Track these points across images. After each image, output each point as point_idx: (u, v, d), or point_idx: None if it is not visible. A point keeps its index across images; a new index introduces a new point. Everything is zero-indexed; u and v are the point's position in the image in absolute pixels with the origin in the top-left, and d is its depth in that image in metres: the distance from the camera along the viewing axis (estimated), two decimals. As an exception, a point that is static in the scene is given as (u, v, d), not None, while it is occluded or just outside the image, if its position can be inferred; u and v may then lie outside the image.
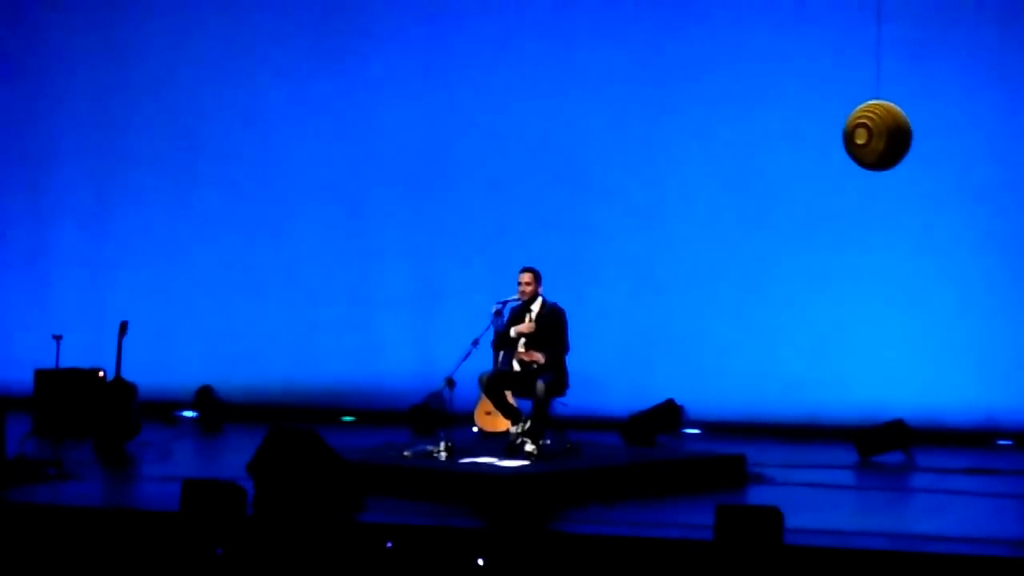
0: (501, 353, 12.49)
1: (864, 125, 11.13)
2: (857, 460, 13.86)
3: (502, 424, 13.17)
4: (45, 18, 17.41)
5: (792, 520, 9.33)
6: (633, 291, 15.85)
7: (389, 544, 9.86)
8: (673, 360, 15.65)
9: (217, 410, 16.27)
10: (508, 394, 12.50)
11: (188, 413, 16.48)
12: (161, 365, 16.38)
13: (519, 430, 12.25)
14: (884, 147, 11.12)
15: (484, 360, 12.66)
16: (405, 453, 12.32)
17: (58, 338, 14.64)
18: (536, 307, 12.48)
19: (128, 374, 14.04)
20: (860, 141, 11.16)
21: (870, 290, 15.25)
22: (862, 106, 11.28)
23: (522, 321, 12.48)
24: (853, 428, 14.42)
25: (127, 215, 17.18)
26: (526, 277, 12.50)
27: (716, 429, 15.42)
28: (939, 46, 15.01)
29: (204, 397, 16.39)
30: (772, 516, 9.11)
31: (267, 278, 16.82)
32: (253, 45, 16.85)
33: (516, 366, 12.46)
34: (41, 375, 14.93)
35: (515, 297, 12.54)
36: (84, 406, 14.50)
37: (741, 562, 8.99)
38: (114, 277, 17.15)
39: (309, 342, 16.65)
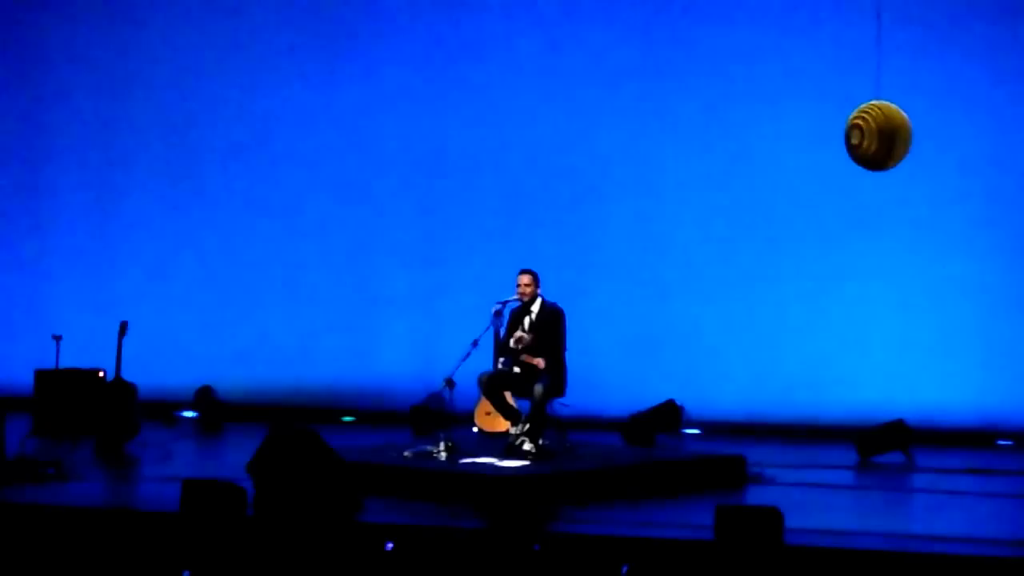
0: (501, 359, 12.50)
1: (858, 127, 11.11)
2: (857, 460, 13.85)
3: (502, 424, 13.17)
4: (45, 18, 17.40)
5: (792, 520, 9.33)
6: (633, 291, 15.85)
7: (389, 546, 9.85)
8: (673, 360, 15.65)
9: (217, 410, 16.27)
10: (508, 395, 12.50)
11: (188, 413, 16.48)
12: (161, 365, 16.37)
13: (519, 431, 12.24)
14: (876, 148, 11.07)
15: (484, 360, 12.66)
16: (405, 453, 12.31)
17: (58, 338, 14.63)
18: (536, 308, 12.47)
19: (128, 374, 14.03)
20: (854, 142, 11.15)
21: (870, 290, 15.25)
22: (861, 106, 11.27)
23: (521, 323, 12.46)
24: (853, 428, 14.42)
25: (127, 215, 17.18)
26: (525, 279, 12.49)
27: (716, 429, 15.42)
28: (939, 46, 15.01)
29: (204, 397, 16.39)
30: (772, 516, 9.11)
31: (267, 278, 16.81)
32: (253, 45, 16.85)
33: (516, 367, 12.46)
34: (41, 375, 14.91)
35: (515, 298, 12.53)
36: (84, 406, 14.48)
37: (741, 562, 8.99)
38: (114, 277, 17.14)
39: (309, 342, 16.64)
